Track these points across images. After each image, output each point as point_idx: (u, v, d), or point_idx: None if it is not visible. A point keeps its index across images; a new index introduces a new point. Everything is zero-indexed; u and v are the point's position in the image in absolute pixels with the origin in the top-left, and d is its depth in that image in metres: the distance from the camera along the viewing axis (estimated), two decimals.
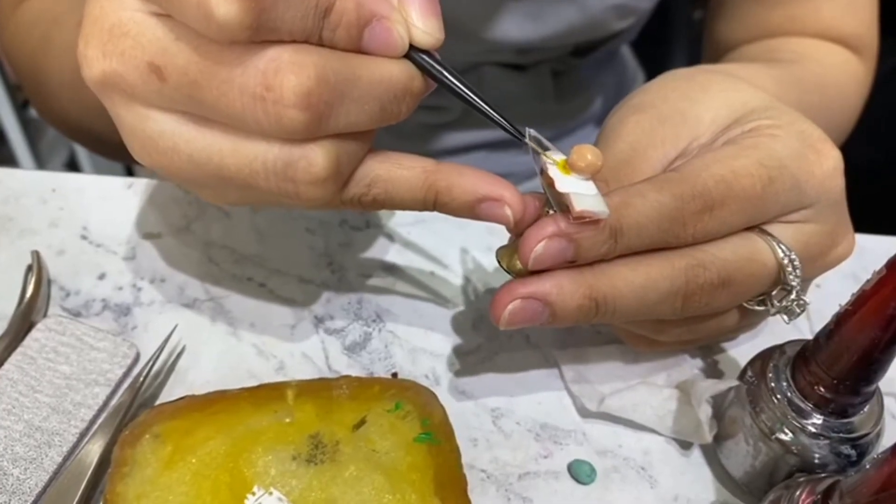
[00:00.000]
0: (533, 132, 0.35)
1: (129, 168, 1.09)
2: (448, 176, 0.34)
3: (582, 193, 0.33)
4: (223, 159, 0.31)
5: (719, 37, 0.67)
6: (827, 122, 0.58)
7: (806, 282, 0.38)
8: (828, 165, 0.37)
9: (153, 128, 0.32)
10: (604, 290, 0.35)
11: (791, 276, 0.36)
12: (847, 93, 0.62)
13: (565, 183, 0.33)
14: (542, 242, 0.33)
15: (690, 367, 0.44)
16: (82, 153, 1.41)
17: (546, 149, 0.34)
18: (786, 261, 0.36)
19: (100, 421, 0.39)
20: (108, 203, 0.49)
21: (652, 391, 0.41)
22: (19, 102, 1.36)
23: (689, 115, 0.38)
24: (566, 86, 0.75)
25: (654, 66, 0.92)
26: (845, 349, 0.33)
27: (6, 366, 0.40)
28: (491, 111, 0.33)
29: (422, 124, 0.71)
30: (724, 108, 0.39)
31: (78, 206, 0.49)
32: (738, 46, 0.65)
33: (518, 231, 0.35)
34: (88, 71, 0.31)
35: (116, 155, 0.73)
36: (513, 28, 0.61)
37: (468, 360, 0.44)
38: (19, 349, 0.40)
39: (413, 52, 0.32)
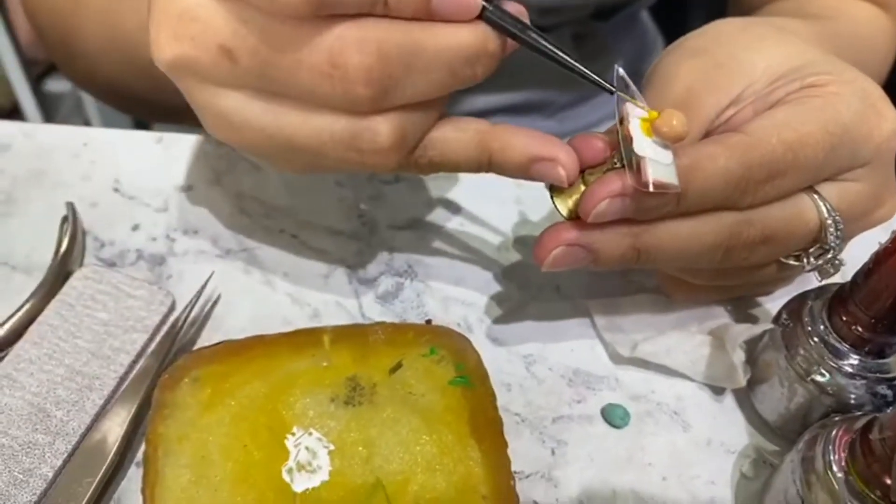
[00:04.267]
0: (622, 72, 0.35)
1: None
2: (502, 136, 0.34)
3: (657, 161, 0.32)
4: (293, 131, 0.32)
5: None
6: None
7: (844, 241, 0.38)
8: (887, 128, 0.36)
9: (225, 105, 0.32)
10: (648, 242, 0.35)
11: (832, 237, 0.36)
12: (878, 50, 0.61)
13: (643, 145, 0.32)
14: (606, 201, 0.33)
15: (723, 314, 0.44)
16: (97, 125, 1.41)
17: (632, 95, 0.34)
18: (829, 221, 0.36)
19: (139, 366, 0.40)
20: (139, 157, 0.49)
21: (685, 337, 0.41)
22: (34, 77, 1.36)
23: (745, 62, 0.38)
24: (587, 49, 0.75)
25: (673, 31, 0.92)
26: (884, 287, 0.33)
27: (45, 312, 0.40)
28: (578, 66, 0.33)
29: None
30: (779, 57, 0.38)
31: (109, 160, 0.49)
32: (764, 5, 0.64)
33: (581, 166, 0.35)
34: (160, 55, 0.32)
35: (150, 115, 0.73)
36: None
37: (500, 309, 0.44)
38: (58, 297, 0.41)
39: (486, 11, 0.31)
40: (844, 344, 0.36)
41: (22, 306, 0.41)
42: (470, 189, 0.49)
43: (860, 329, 0.35)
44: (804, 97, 0.36)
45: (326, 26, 0.29)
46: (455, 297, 0.44)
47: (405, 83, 0.31)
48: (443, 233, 0.47)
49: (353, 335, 0.40)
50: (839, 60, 0.39)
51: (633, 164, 0.33)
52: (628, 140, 0.33)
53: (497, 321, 0.43)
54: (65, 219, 0.44)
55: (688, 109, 0.37)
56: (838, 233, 0.36)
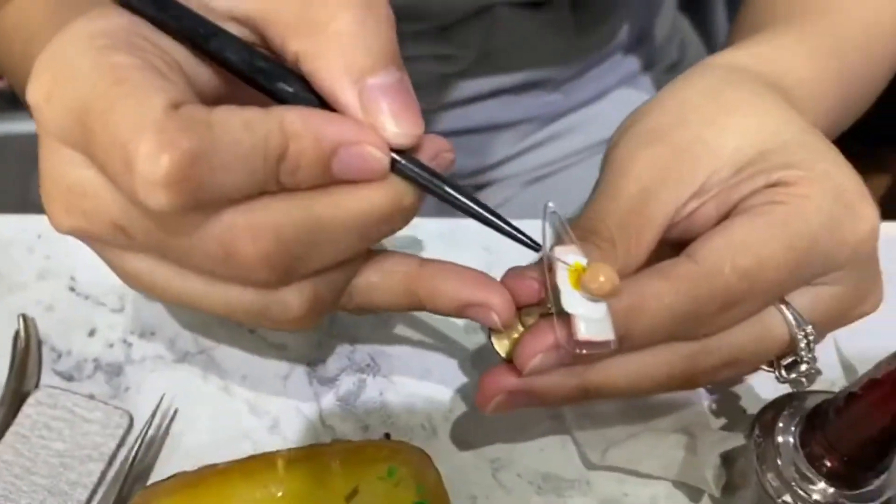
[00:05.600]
0: (552, 205, 0.32)
1: None
2: (429, 282, 0.32)
3: (588, 316, 0.29)
4: (200, 300, 0.30)
5: None
6: (872, 77, 0.52)
7: (822, 336, 0.34)
8: (863, 230, 0.32)
9: (132, 266, 0.31)
10: (595, 381, 0.33)
11: (804, 351, 0.33)
12: (889, 32, 0.56)
13: (572, 300, 0.30)
14: (540, 356, 0.31)
15: (699, 407, 0.41)
16: None
17: (565, 232, 0.31)
18: (800, 335, 0.33)
19: (96, 499, 0.39)
20: None
21: (657, 438, 0.39)
22: None
23: (710, 144, 0.34)
24: (587, 17, 0.70)
25: None
26: (854, 431, 0.31)
27: (0, 447, 0.40)
28: (499, 222, 0.30)
29: (435, 74, 0.67)
30: (749, 136, 0.34)
31: (64, 253, 0.47)
32: None
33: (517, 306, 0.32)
34: (56, 224, 0.30)
35: None
36: None
37: (466, 405, 0.42)
38: (12, 428, 0.40)
39: (397, 163, 0.28)
40: (815, 472, 0.33)
41: None
42: None
43: (830, 463, 0.32)
44: (767, 204, 0.32)
45: (215, 214, 0.27)
46: (419, 394, 0.42)
47: (311, 258, 0.29)
48: (406, 321, 0.45)
49: (309, 458, 0.39)
50: (814, 142, 0.34)
51: (563, 315, 0.30)
52: (556, 291, 0.30)
53: (463, 419, 0.42)
54: (17, 333, 0.43)
55: (642, 212, 0.34)
56: (811, 345, 0.33)
